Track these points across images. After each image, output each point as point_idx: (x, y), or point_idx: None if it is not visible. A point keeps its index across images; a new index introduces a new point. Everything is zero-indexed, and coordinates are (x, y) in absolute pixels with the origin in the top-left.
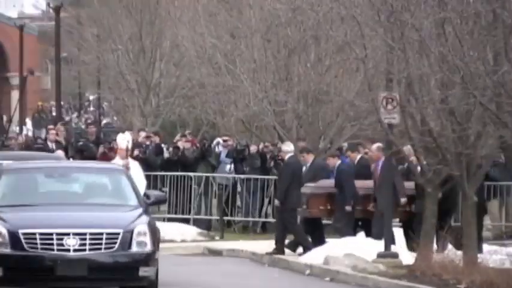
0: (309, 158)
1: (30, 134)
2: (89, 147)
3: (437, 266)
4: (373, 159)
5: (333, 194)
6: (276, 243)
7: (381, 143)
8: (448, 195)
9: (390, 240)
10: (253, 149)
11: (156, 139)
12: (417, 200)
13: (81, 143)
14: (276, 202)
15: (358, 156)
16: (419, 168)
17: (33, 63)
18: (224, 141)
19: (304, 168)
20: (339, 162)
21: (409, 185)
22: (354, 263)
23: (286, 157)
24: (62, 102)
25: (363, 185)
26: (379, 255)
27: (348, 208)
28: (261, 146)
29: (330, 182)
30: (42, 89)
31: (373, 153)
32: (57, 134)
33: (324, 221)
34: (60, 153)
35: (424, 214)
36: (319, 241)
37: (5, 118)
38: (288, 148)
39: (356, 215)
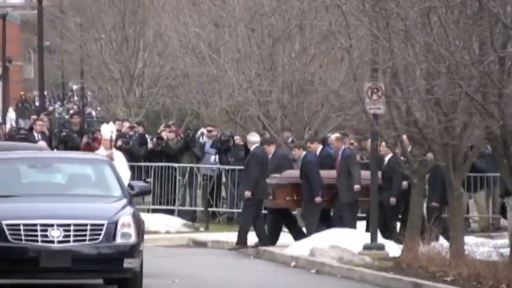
0: (271, 149)
1: (13, 124)
2: (73, 137)
3: (424, 258)
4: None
5: (298, 185)
6: (258, 236)
7: (339, 133)
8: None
9: (376, 232)
10: (238, 139)
11: (140, 129)
12: (384, 192)
13: (64, 134)
14: (247, 193)
15: (320, 147)
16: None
17: (15, 52)
18: (208, 131)
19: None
20: (303, 153)
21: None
22: (340, 255)
23: (252, 148)
24: (45, 92)
25: (326, 175)
26: (365, 247)
27: (318, 200)
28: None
29: (295, 173)
30: (25, 78)
31: (332, 143)
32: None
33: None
34: (42, 143)
35: (411, 205)
36: (297, 233)
37: None
38: (253, 139)
39: (321, 205)
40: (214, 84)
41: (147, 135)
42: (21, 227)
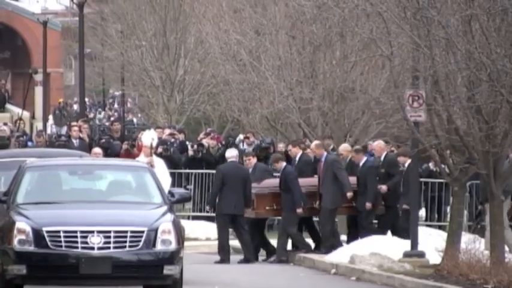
0: (253, 161)
1: (53, 131)
2: (112, 144)
3: (464, 266)
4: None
5: (278, 194)
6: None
7: (319, 141)
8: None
9: (417, 239)
10: (281, 147)
11: (181, 136)
12: (359, 197)
13: (104, 140)
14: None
15: (300, 153)
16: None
17: (56, 59)
18: (246, 137)
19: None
20: (283, 164)
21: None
22: (380, 262)
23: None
24: (86, 99)
25: (306, 182)
26: (406, 254)
27: (299, 211)
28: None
29: (274, 182)
30: (66, 85)
31: (313, 150)
32: (80, 131)
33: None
34: (97, 150)
35: (451, 213)
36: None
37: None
38: (228, 154)
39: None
40: (255, 91)
41: (187, 142)
42: (62, 234)
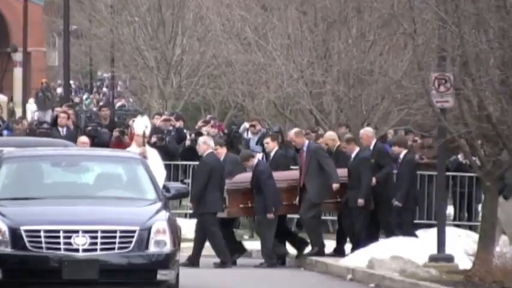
0: (223, 152)
1: (35, 116)
2: (100, 132)
3: (499, 272)
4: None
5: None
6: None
7: (298, 128)
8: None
9: (444, 241)
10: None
11: (179, 124)
12: (349, 191)
13: (90, 128)
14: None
15: (276, 147)
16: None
17: (38, 37)
18: (251, 126)
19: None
20: (256, 161)
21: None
22: (402, 266)
23: (205, 154)
24: (71, 81)
25: (287, 176)
26: (431, 258)
27: (270, 216)
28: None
29: (248, 176)
30: (49, 66)
31: (293, 139)
32: (68, 117)
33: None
34: (84, 139)
35: (483, 211)
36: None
37: (3, 98)
38: (204, 144)
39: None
40: (261, 73)
41: (185, 131)
42: (42, 234)
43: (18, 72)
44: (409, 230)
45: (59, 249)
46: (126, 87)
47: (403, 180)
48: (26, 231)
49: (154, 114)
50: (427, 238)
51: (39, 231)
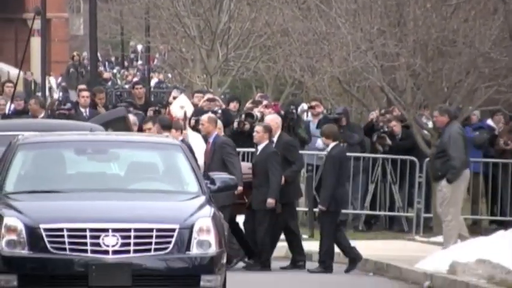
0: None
1: (56, 96)
2: (133, 114)
3: None
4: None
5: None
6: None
7: (212, 114)
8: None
9: None
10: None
11: (233, 106)
12: (255, 190)
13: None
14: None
15: (215, 133)
16: None
17: (59, 1)
18: (311, 107)
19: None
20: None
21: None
22: (490, 272)
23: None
24: (98, 54)
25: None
26: None
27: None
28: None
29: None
30: (73, 35)
31: (204, 126)
32: (94, 95)
33: None
34: (133, 119)
35: None
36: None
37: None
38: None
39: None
40: (322, 44)
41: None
42: (65, 233)
43: (35, 42)
44: (330, 239)
45: (85, 251)
46: (163, 60)
47: (328, 178)
48: (46, 230)
49: (194, 92)
50: None
51: (61, 230)
